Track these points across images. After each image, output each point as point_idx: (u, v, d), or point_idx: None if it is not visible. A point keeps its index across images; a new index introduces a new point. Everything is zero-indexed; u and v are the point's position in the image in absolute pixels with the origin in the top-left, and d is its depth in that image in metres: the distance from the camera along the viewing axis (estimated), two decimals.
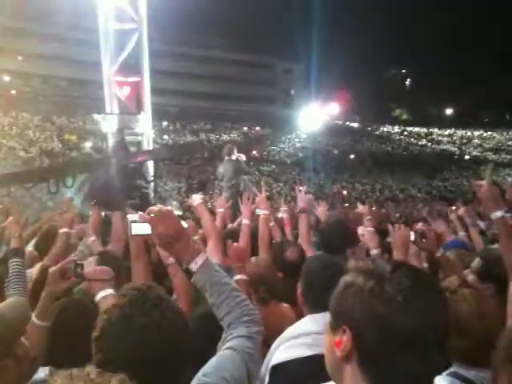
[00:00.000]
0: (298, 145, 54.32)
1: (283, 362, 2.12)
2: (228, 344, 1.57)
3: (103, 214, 5.57)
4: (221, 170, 8.96)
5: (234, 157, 8.81)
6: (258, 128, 55.09)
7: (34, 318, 2.04)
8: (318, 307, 2.20)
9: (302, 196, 4.49)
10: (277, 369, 2.12)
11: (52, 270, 2.08)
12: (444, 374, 1.78)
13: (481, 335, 1.86)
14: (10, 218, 3.16)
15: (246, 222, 4.06)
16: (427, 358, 1.02)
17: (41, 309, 2.10)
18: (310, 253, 3.73)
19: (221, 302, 1.63)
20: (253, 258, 3.17)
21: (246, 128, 55.50)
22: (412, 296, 1.02)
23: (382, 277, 1.07)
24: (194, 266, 1.66)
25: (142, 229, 1.74)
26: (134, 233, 1.87)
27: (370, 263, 1.18)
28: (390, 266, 1.10)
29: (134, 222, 1.80)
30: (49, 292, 2.06)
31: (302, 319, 2.34)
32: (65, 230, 3.91)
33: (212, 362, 1.50)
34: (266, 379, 2.13)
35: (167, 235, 1.64)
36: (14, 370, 1.74)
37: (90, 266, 2.13)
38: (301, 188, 4.56)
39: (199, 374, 1.43)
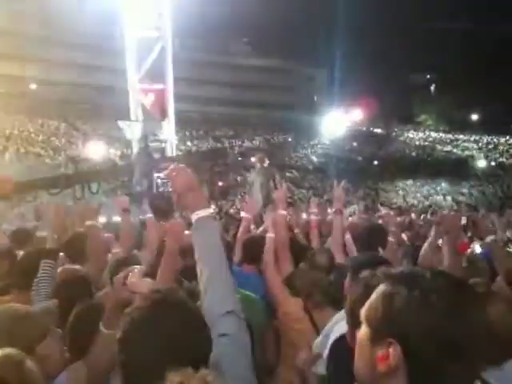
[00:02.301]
0: (321, 151, 54.12)
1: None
2: (220, 326, 1.62)
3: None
4: (252, 177, 8.99)
5: (265, 165, 8.84)
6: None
7: (101, 327, 2.06)
8: None
9: (339, 195, 4.16)
10: (339, 341, 2.15)
11: (116, 277, 2.08)
12: None
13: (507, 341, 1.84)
14: (55, 216, 3.16)
15: (271, 235, 3.81)
16: (474, 367, 1.02)
17: (108, 317, 2.12)
18: (340, 257, 3.67)
19: (207, 259, 1.75)
20: (301, 264, 3.17)
21: (268, 135, 55.52)
22: (459, 305, 1.01)
23: (425, 286, 1.04)
24: (194, 217, 1.82)
25: (165, 186, 1.96)
26: (160, 189, 2.04)
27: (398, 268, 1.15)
28: (429, 274, 1.07)
29: (159, 179, 1.99)
30: (115, 300, 2.06)
31: None
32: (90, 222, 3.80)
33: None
34: (326, 352, 2.21)
35: (181, 186, 1.82)
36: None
37: (135, 277, 2.10)
38: (341, 184, 4.16)
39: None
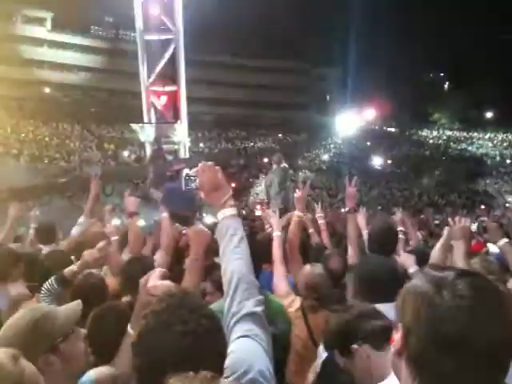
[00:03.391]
0: (334, 151, 53.98)
1: None
2: (242, 329, 1.60)
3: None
4: (270, 177, 8.96)
5: (282, 165, 8.82)
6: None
7: (129, 329, 2.07)
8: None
9: (352, 193, 4.04)
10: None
11: (141, 280, 2.08)
12: None
13: None
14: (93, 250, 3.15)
15: (277, 233, 3.72)
16: (475, 368, 1.00)
17: (135, 320, 2.12)
18: (355, 257, 3.65)
19: (230, 255, 1.75)
20: (307, 266, 3.17)
21: (280, 135, 55.52)
22: (468, 304, 1.01)
23: (442, 282, 1.06)
24: (220, 215, 1.84)
25: (193, 184, 1.98)
26: (187, 187, 2.04)
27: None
28: (454, 273, 1.09)
29: (188, 176, 1.99)
30: (141, 302, 2.06)
31: None
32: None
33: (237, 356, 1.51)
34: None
35: (208, 184, 1.86)
36: (59, 368, 1.83)
37: (154, 279, 2.08)
38: (353, 183, 4.03)
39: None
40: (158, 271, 2.08)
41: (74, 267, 3.00)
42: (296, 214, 3.95)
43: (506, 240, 3.48)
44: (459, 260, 3.14)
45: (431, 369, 1.03)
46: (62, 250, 4.37)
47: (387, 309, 2.15)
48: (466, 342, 0.99)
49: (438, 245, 3.61)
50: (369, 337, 2.03)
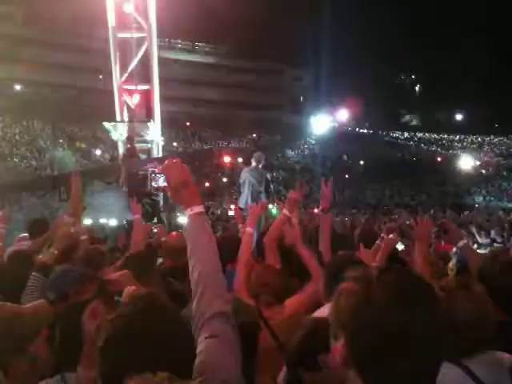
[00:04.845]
0: (307, 151, 54.33)
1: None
2: (210, 329, 1.59)
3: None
4: (245, 175, 8.83)
5: (260, 165, 8.74)
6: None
7: None
8: None
9: (327, 194, 4.09)
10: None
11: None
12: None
13: (477, 334, 1.88)
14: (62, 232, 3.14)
15: (249, 230, 3.77)
16: (418, 359, 1.02)
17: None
18: (328, 257, 3.69)
19: (198, 254, 1.75)
20: (261, 266, 3.20)
21: (254, 135, 55.62)
22: (396, 298, 1.04)
23: (369, 281, 1.09)
24: (188, 212, 1.80)
25: (160, 181, 1.95)
26: (154, 184, 2.04)
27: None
28: (378, 270, 1.12)
29: (154, 174, 1.98)
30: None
31: None
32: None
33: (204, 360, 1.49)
34: None
35: (176, 182, 1.80)
36: (26, 367, 1.82)
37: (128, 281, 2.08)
38: (329, 184, 4.08)
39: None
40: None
41: (53, 251, 2.97)
42: (283, 211, 3.95)
43: (465, 241, 3.57)
44: (417, 265, 3.23)
45: (382, 368, 1.03)
46: (25, 249, 4.31)
47: None
48: (406, 335, 1.01)
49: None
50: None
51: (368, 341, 1.03)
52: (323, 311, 2.35)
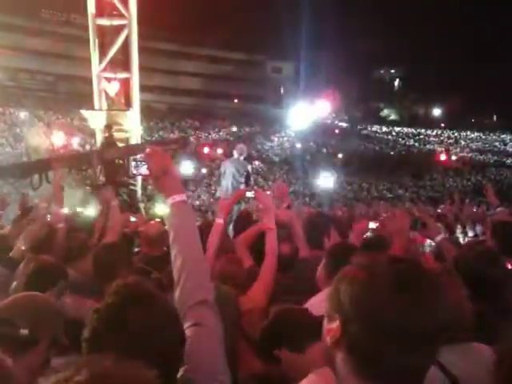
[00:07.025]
0: (287, 144, 54.34)
1: None
2: (193, 317, 1.60)
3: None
4: (226, 165, 8.82)
5: (242, 157, 8.75)
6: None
7: None
8: None
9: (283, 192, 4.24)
10: None
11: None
12: None
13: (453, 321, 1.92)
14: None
15: (219, 221, 3.58)
16: (414, 351, 1.03)
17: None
18: (305, 251, 3.71)
19: (181, 242, 1.74)
20: (226, 257, 3.25)
21: (234, 126, 55.40)
22: (400, 291, 1.04)
23: (375, 270, 1.09)
24: (170, 201, 1.79)
25: (142, 169, 1.93)
26: (135, 172, 2.02)
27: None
28: (386, 260, 1.13)
29: (136, 161, 1.96)
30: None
31: None
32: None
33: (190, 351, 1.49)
34: None
35: (157, 169, 1.80)
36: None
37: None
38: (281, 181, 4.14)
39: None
40: None
41: (20, 246, 2.95)
42: (263, 224, 3.96)
43: (442, 235, 3.62)
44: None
45: (372, 356, 1.04)
46: (3, 234, 4.28)
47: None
48: (406, 329, 1.01)
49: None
50: (286, 340, 2.02)
51: (363, 329, 1.04)
52: (321, 297, 2.38)
